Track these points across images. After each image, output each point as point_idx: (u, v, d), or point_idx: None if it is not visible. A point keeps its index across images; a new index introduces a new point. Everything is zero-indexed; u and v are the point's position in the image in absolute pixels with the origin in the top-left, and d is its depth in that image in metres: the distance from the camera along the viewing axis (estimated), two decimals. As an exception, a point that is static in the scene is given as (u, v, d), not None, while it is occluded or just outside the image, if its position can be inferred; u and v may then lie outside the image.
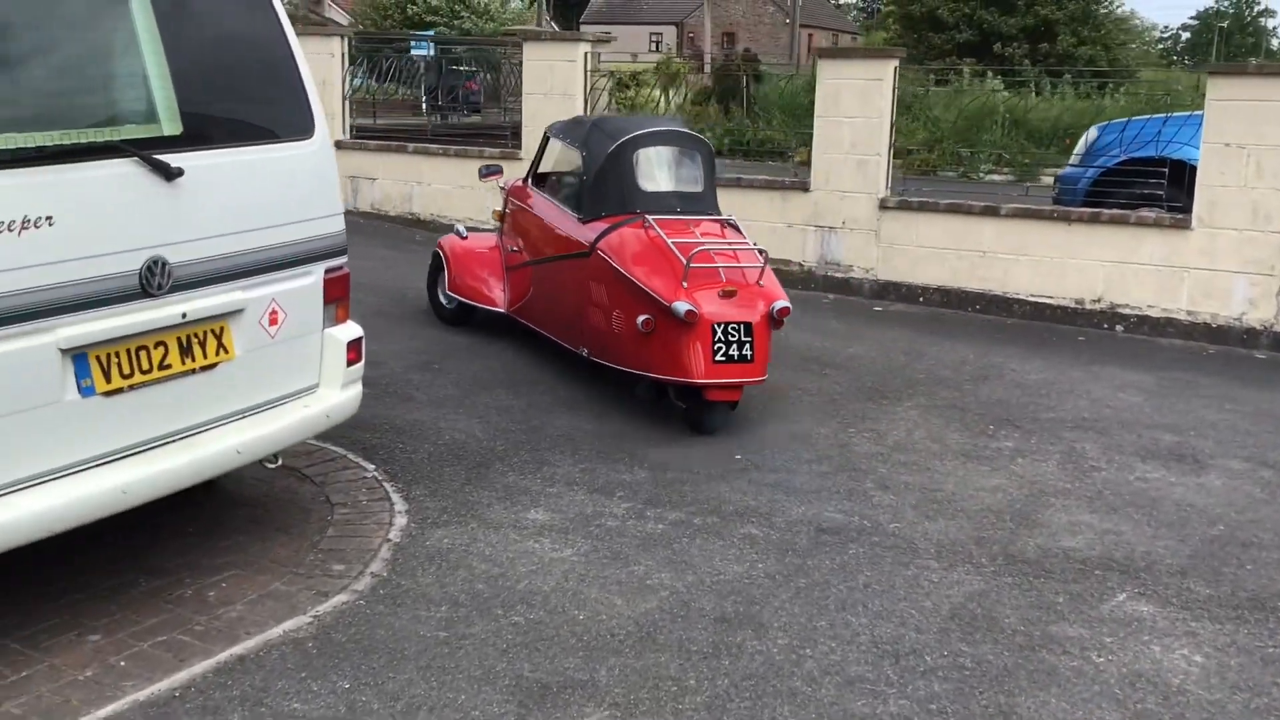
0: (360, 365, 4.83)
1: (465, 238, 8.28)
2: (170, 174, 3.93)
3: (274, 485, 5.29)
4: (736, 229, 6.71)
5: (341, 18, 41.62)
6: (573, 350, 6.99)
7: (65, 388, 3.71)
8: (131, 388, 3.92)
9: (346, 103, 12.34)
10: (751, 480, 5.57)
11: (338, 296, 4.72)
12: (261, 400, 4.41)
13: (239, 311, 4.25)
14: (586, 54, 10.77)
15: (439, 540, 4.76)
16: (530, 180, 7.85)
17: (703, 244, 6.28)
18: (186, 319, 4.04)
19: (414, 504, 5.13)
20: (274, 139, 4.43)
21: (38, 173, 3.57)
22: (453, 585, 4.38)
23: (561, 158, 7.63)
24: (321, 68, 12.28)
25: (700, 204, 6.91)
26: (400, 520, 4.96)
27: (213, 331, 4.19)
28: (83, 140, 3.72)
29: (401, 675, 3.74)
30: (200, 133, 4.11)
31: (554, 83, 10.80)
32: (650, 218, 6.47)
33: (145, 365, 3.96)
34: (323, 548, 4.70)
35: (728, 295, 6.09)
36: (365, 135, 12.32)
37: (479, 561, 4.59)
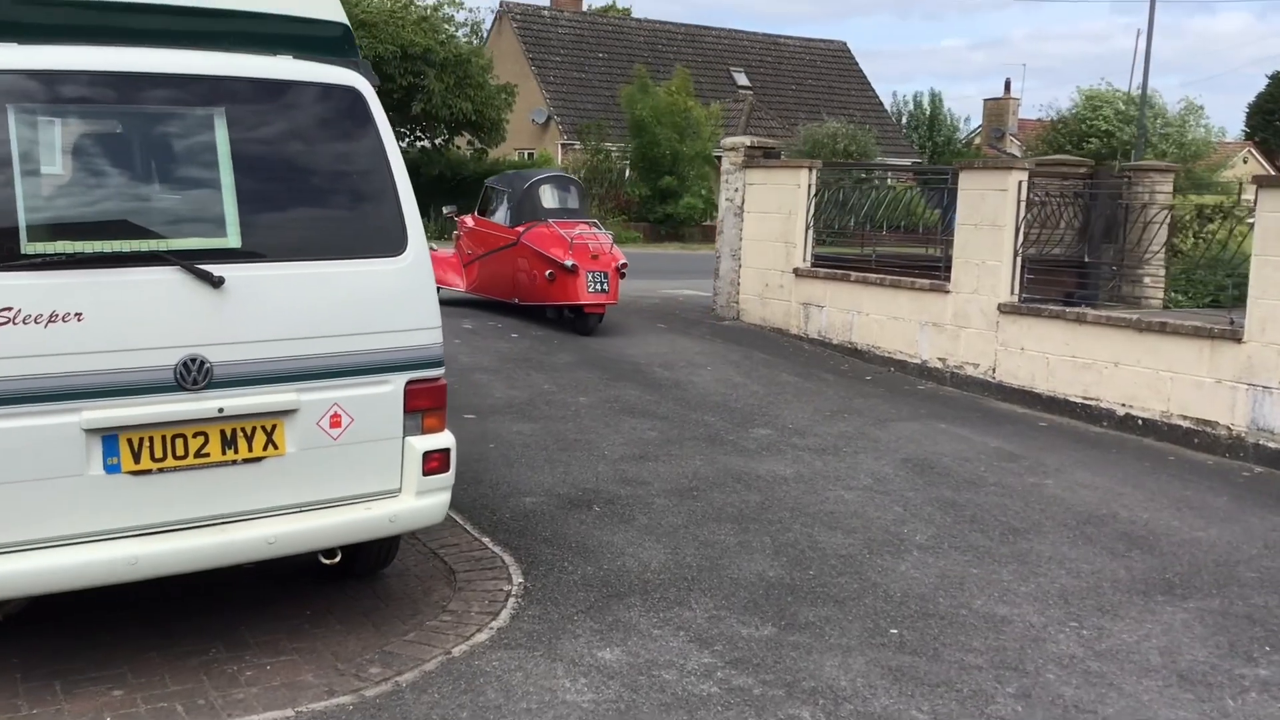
0: (445, 476, 4.92)
1: (436, 250, 12.98)
2: (214, 282, 4.33)
3: (417, 575, 5.55)
4: (599, 226, 13.31)
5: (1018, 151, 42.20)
6: (508, 301, 13.31)
7: (89, 464, 4.19)
8: (161, 470, 4.33)
9: (809, 232, 12.46)
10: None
11: (424, 406, 4.86)
12: (316, 498, 4.64)
13: (292, 411, 4.54)
14: (1021, 183, 10.03)
15: (495, 663, 4.68)
16: (476, 213, 14.16)
17: (581, 233, 12.43)
18: (224, 413, 4.39)
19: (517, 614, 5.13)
20: (351, 255, 4.69)
21: (68, 275, 4.12)
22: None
23: (494, 196, 13.94)
24: (788, 198, 12.57)
25: (578, 214, 13.33)
26: (482, 635, 4.95)
27: (263, 428, 4.51)
28: (119, 249, 4.24)
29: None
30: (261, 246, 4.50)
31: (984, 213, 10.17)
32: (550, 221, 12.72)
33: (180, 451, 4.36)
34: (387, 649, 4.83)
35: (594, 258, 12.19)
36: (823, 263, 12.34)
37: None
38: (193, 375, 4.30)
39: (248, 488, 4.50)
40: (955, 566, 5.94)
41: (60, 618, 4.85)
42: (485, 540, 6.08)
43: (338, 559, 4.87)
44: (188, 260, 4.31)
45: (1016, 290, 10.04)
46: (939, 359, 10.71)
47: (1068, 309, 9.59)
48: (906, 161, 33.89)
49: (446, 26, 32.61)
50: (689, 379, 10.33)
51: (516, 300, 13.10)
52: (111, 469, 4.23)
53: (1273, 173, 33.48)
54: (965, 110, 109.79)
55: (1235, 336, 8.29)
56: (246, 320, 4.42)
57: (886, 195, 12.66)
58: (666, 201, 33.99)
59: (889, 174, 17.27)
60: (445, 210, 15.01)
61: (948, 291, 10.53)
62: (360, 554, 5.40)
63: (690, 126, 32.94)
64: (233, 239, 4.46)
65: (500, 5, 45.37)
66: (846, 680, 4.63)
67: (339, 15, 5.02)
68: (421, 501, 4.87)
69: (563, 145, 39.87)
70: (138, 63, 4.38)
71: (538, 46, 43.16)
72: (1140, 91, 33.47)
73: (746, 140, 13.59)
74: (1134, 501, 7.16)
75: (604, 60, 43.79)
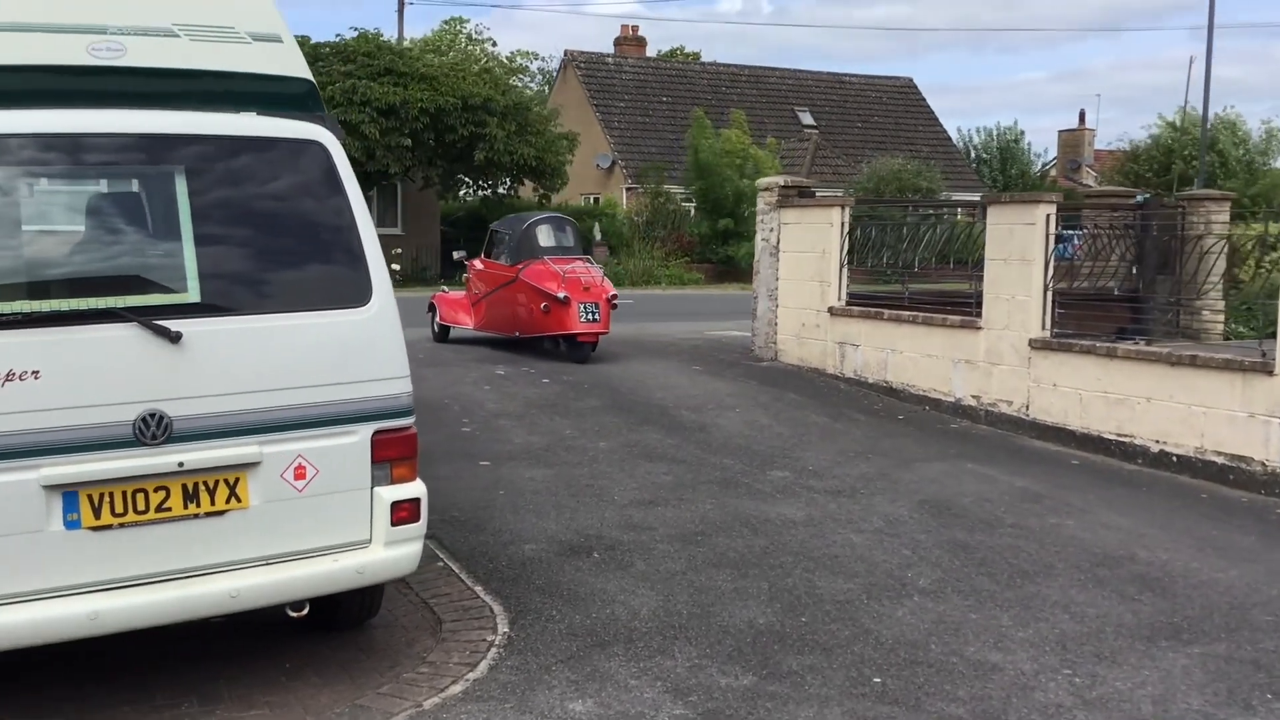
0: (416, 526, 4.90)
1: (448, 293, 16.02)
2: (172, 337, 4.37)
3: (403, 625, 5.56)
4: (591, 262, 14.26)
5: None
6: (510, 336, 14.34)
7: (49, 520, 4.24)
8: (123, 525, 4.36)
9: (843, 270, 12.34)
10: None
11: (393, 456, 4.86)
12: (281, 550, 4.64)
13: (255, 464, 4.55)
14: (1049, 216, 9.84)
15: (463, 716, 4.64)
16: (483, 255, 15.23)
17: (573, 268, 13.44)
18: (184, 468, 4.42)
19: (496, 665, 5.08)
20: (313, 307, 4.71)
21: (25, 334, 4.18)
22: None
23: (497, 239, 14.96)
24: (822, 237, 12.48)
25: (572, 251, 14.22)
26: (456, 688, 4.91)
27: (225, 481, 4.53)
28: (75, 307, 4.30)
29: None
30: (221, 301, 4.54)
31: (1012, 248, 9.99)
32: (546, 258, 13.67)
33: (141, 506, 4.39)
34: (359, 701, 4.80)
35: (585, 290, 13.12)
36: (857, 301, 12.21)
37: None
38: (151, 430, 4.33)
39: (210, 541, 4.51)
40: (954, 611, 5.79)
41: (43, 666, 4.89)
42: (478, 589, 6.04)
43: (305, 611, 4.83)
44: (146, 316, 4.35)
45: (1048, 325, 9.84)
46: (972, 397, 10.52)
47: (1098, 344, 9.35)
48: (959, 196, 33.49)
49: (519, 78, 33.12)
50: (714, 422, 10.24)
51: (518, 334, 14.18)
52: (72, 525, 4.27)
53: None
54: (1045, 143, 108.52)
55: (1267, 369, 8.03)
56: (206, 374, 4.44)
57: (936, 230, 12.45)
58: (728, 243, 34.02)
59: (944, 209, 17.10)
60: (455, 255, 16.35)
61: (979, 328, 10.35)
62: (342, 606, 5.39)
63: (750, 167, 32.96)
64: (192, 294, 4.50)
65: (565, 55, 45.91)
66: (817, 732, 4.51)
67: (304, 72, 5.08)
68: (391, 552, 4.85)
69: (627, 189, 40.09)
70: (95, 124, 4.46)
71: (602, 93, 43.54)
72: (1202, 120, 32.82)
73: (780, 180, 13.51)
74: (1155, 542, 6.93)
75: (667, 104, 44.03)
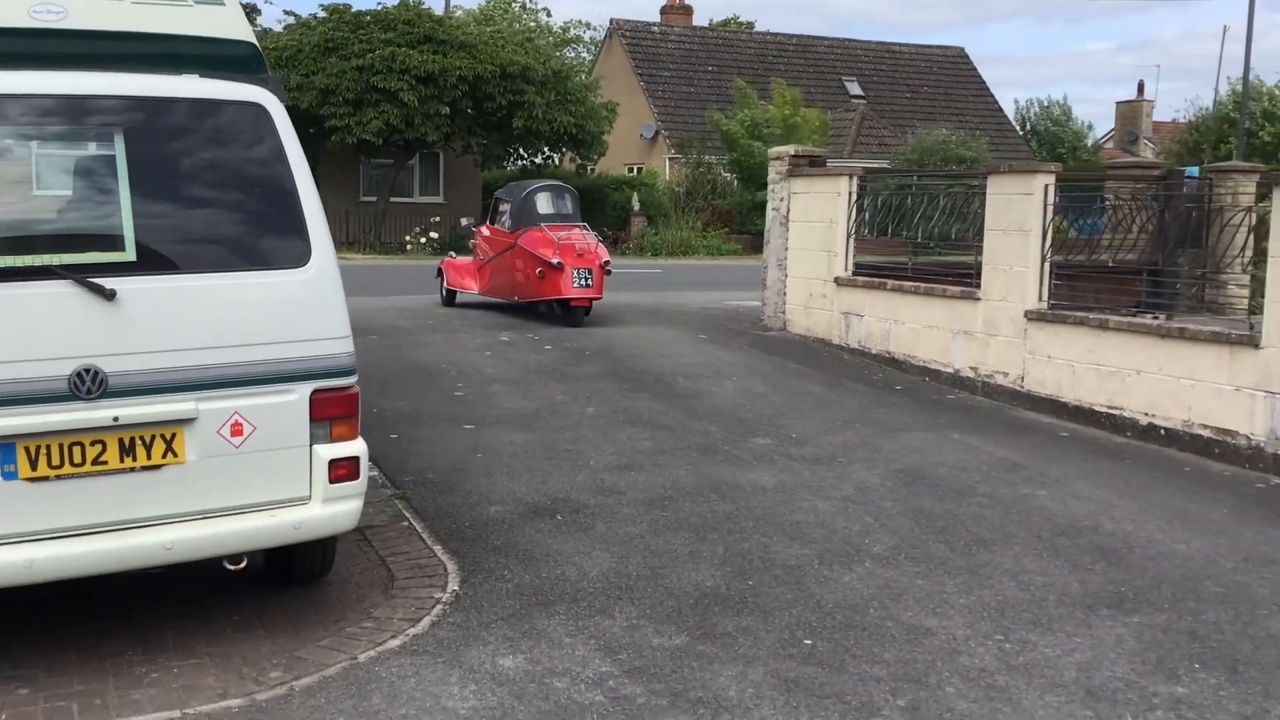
0: (355, 484, 5.00)
1: (455, 259, 16.72)
2: (106, 294, 4.48)
3: (357, 582, 5.69)
4: (587, 229, 14.73)
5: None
6: (509, 300, 14.97)
7: (-14, 471, 4.38)
8: (60, 477, 4.49)
9: (850, 240, 12.29)
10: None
11: (331, 415, 4.95)
12: (218, 505, 4.76)
13: (191, 420, 4.67)
14: (1047, 186, 9.74)
15: (394, 669, 4.74)
16: (487, 222, 15.87)
17: (569, 235, 13.96)
18: (119, 422, 4.54)
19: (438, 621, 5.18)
20: (251, 267, 4.82)
21: (-42, 291, 4.32)
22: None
23: (500, 206, 15.48)
24: (830, 207, 12.43)
25: (570, 219, 14.75)
26: (395, 642, 5.01)
27: (162, 436, 4.65)
28: (10, 264, 4.42)
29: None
30: (158, 260, 4.65)
31: (1010, 218, 9.91)
32: (544, 225, 14.24)
33: (78, 459, 4.52)
34: (298, 654, 4.92)
35: (579, 256, 13.65)
36: (863, 272, 12.17)
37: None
38: (87, 385, 4.45)
39: (147, 495, 4.64)
40: (902, 577, 5.81)
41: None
42: (436, 548, 6.15)
43: (243, 565, 4.95)
44: (81, 274, 4.46)
45: (1045, 296, 9.76)
46: (971, 368, 10.47)
47: (1090, 315, 9.27)
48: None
49: (573, 48, 32.73)
50: (709, 390, 10.28)
51: (516, 298, 14.79)
52: (9, 476, 4.40)
53: None
54: (1108, 115, 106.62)
55: (1254, 342, 7.93)
56: (141, 331, 4.56)
57: (940, 201, 12.35)
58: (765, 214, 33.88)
59: (956, 182, 16.92)
60: (464, 221, 17.88)
61: (978, 299, 10.29)
62: (295, 561, 5.53)
63: (790, 138, 32.81)
64: (129, 253, 4.61)
65: (610, 23, 45.82)
66: (736, 691, 4.57)
67: (247, 35, 5.16)
68: (329, 509, 4.95)
69: (670, 159, 40.03)
70: (32, 85, 4.57)
71: (647, 62, 43.44)
72: (1243, 94, 32.15)
73: (790, 149, 13.47)
74: (1124, 514, 6.90)
75: (713, 73, 43.84)
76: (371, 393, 9.68)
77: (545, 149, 33.68)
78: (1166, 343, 8.55)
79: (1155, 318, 9.38)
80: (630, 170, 39.86)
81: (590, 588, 5.64)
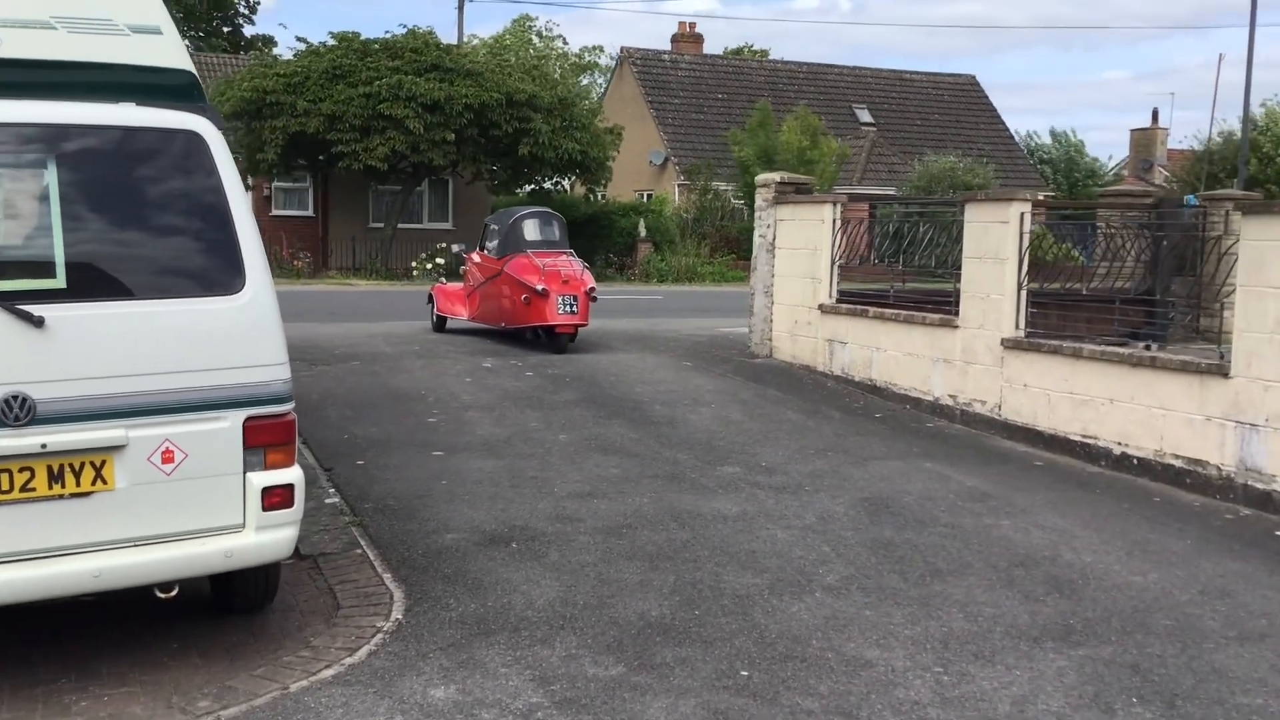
0: (290, 511, 4.99)
1: (446, 285, 17.00)
2: (35, 321, 4.50)
3: (301, 610, 5.68)
4: (574, 255, 14.65)
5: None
6: (497, 326, 14.94)
7: (-86, 496, 4.39)
8: (-14, 504, 4.50)
9: (834, 268, 12.26)
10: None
11: (265, 442, 4.95)
12: (149, 533, 4.76)
13: (120, 447, 4.67)
14: (1023, 214, 9.71)
15: (324, 699, 4.71)
16: (477, 249, 15.82)
17: (555, 262, 14.00)
18: (48, 449, 4.54)
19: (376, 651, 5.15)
20: (183, 294, 4.83)
21: (-115, 321, 4.33)
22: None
23: (489, 232, 15.47)
24: (814, 234, 12.42)
25: (557, 245, 14.70)
26: (329, 671, 4.98)
27: (91, 463, 4.65)
28: (-69, 294, 4.43)
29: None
30: (88, 287, 4.66)
31: (987, 246, 9.87)
32: (530, 252, 14.24)
33: (5, 486, 4.52)
34: (230, 683, 4.90)
35: (564, 283, 13.67)
36: (847, 299, 12.13)
37: (284, 722, 4.50)
38: (15, 412, 4.46)
39: (76, 522, 4.63)
40: (850, 608, 5.76)
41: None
42: (386, 576, 6.13)
43: (174, 593, 4.95)
44: (10, 301, 4.48)
45: (1021, 324, 9.71)
46: (949, 396, 10.41)
47: (1064, 343, 9.21)
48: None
49: (588, 75, 32.78)
50: (685, 417, 10.25)
51: (504, 325, 14.80)
52: (-64, 502, 4.40)
53: None
54: (1123, 141, 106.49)
55: (1223, 371, 7.86)
56: (71, 358, 4.57)
57: (920, 230, 12.33)
58: (775, 240, 33.87)
59: (941, 209, 16.88)
60: (455, 249, 17.89)
61: (956, 326, 10.24)
62: (235, 589, 5.51)
63: (803, 166, 32.84)
64: (59, 280, 4.63)
65: (621, 51, 46.05)
66: (663, 722, 4.53)
67: (185, 64, 5.20)
68: (263, 537, 4.95)
69: (679, 186, 40.13)
70: (-36, 114, 4.59)
71: (657, 90, 43.62)
72: (1243, 121, 32.06)
73: (776, 176, 13.47)
74: (1085, 545, 6.83)
75: (723, 101, 43.98)
76: (345, 419, 9.72)
77: (552, 174, 33.75)
78: (1138, 371, 8.49)
79: (1148, 347, 9.31)
80: (640, 196, 39.96)
81: (535, 617, 5.60)
